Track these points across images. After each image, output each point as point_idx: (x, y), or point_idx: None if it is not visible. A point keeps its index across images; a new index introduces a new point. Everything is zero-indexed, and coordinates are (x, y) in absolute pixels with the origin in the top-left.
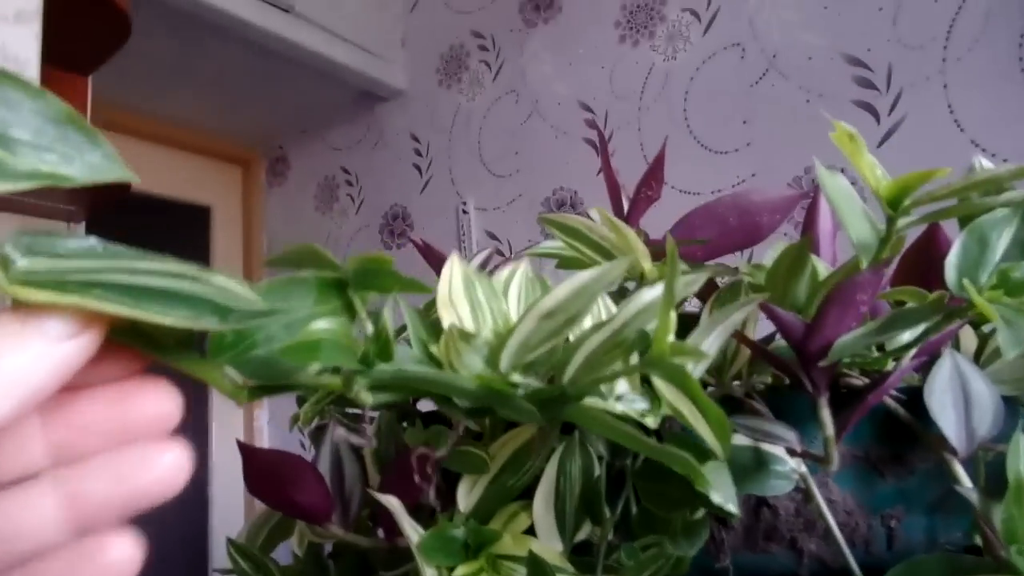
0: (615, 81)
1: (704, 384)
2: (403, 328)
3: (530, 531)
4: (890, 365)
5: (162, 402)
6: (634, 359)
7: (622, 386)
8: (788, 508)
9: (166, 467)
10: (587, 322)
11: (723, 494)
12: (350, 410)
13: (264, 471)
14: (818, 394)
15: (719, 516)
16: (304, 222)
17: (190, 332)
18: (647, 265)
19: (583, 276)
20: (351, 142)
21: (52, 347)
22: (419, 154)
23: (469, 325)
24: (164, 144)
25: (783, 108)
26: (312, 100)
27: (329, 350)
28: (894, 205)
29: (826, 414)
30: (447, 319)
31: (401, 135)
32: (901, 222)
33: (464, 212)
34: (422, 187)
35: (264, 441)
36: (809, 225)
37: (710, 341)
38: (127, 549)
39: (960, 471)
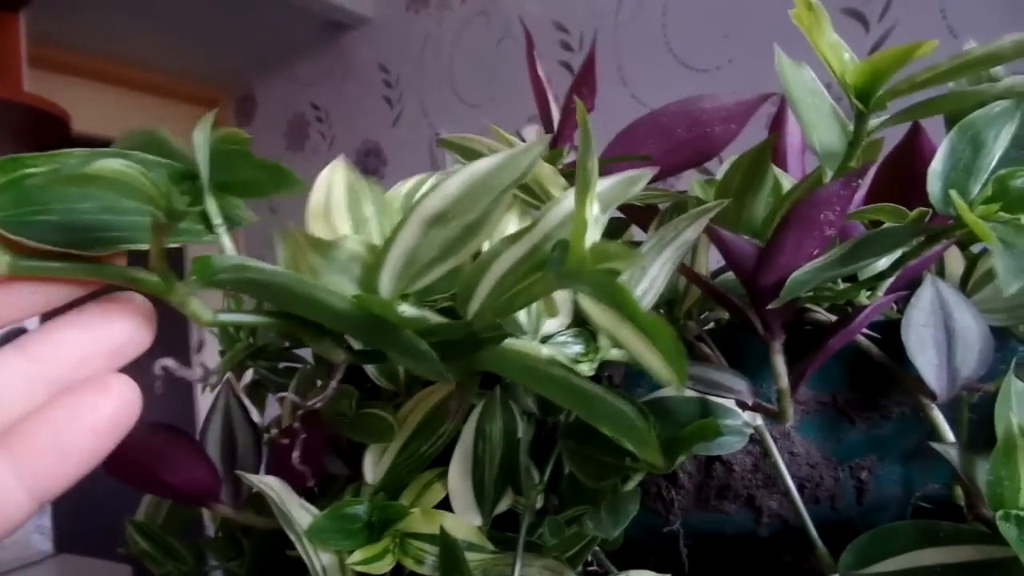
0: None
1: None
2: None
3: (447, 503)
4: (864, 296)
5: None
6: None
7: (551, 325)
8: (744, 463)
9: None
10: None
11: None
12: (285, 365)
13: (129, 449)
14: (771, 338)
15: (668, 474)
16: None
17: None
18: (555, 192)
19: (479, 165)
20: (318, 76)
21: None
22: (388, 85)
23: None
24: (124, 86)
25: (766, 19)
26: (275, 33)
27: (115, 183)
28: (864, 96)
29: (780, 362)
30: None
31: (369, 66)
32: (874, 120)
33: (438, 145)
34: (393, 120)
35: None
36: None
37: (656, 268)
38: (129, 385)
39: (939, 418)
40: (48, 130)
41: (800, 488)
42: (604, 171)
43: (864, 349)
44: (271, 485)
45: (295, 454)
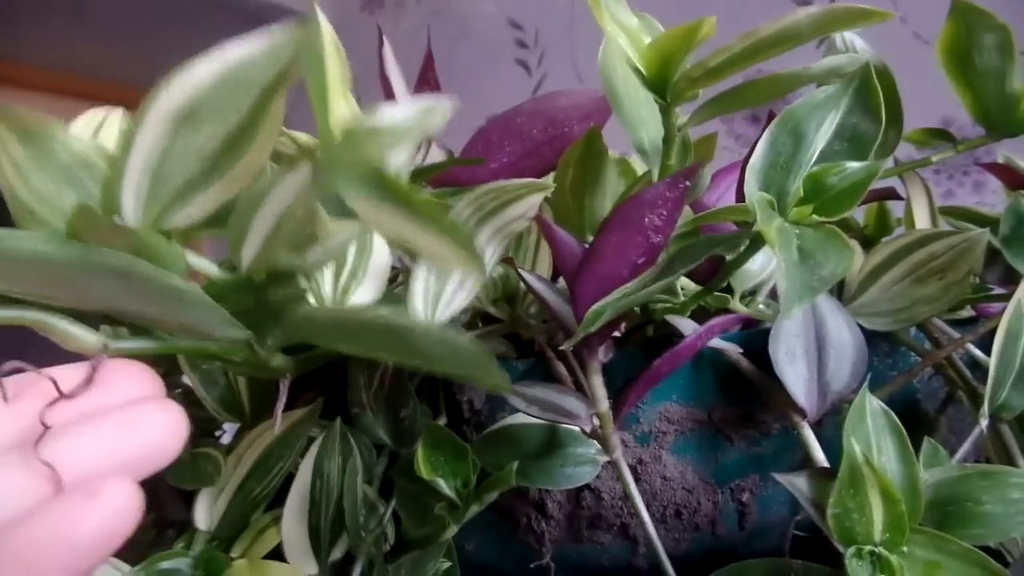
0: None
1: (489, 318)
2: None
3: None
4: (739, 304)
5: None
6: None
7: (361, 296)
8: (613, 491)
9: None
10: None
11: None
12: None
13: None
14: (589, 356)
15: (536, 504)
16: None
17: None
18: None
19: (232, 51)
20: None
21: None
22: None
23: None
24: (80, 98)
25: (722, 9)
26: (219, 36)
27: None
28: (659, 86)
29: (598, 384)
30: None
31: None
32: (680, 115)
33: None
34: None
35: None
36: None
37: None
38: (123, 492)
39: (810, 438)
40: None
41: (677, 515)
42: (441, 176)
43: (734, 363)
44: None
45: None
